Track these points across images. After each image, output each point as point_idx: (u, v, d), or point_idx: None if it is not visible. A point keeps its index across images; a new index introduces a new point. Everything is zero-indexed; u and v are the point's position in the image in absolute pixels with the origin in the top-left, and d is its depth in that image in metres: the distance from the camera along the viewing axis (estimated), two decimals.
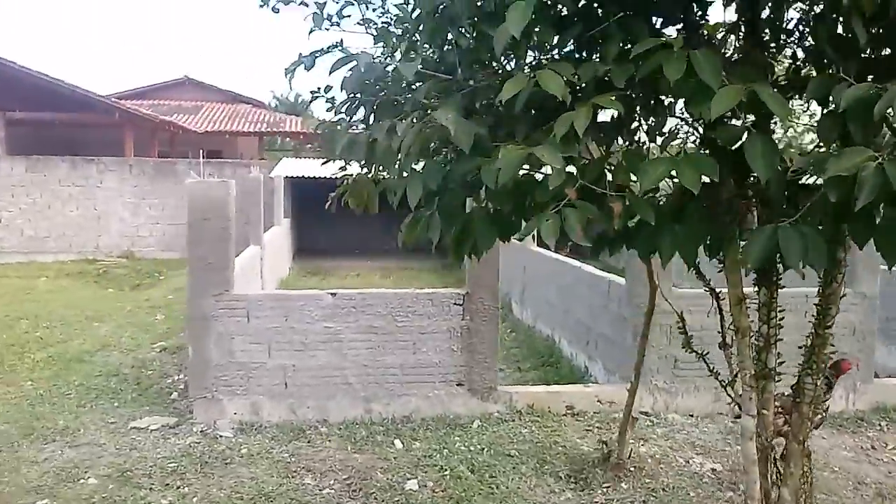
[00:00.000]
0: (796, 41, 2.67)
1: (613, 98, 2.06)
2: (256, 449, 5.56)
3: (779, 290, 3.57)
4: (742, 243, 2.78)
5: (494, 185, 2.19)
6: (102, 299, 12.12)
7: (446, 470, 5.31)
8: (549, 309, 8.78)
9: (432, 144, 2.43)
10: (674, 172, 2.05)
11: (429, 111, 2.36)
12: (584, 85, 2.26)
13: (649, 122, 2.67)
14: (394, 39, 2.79)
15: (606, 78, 2.20)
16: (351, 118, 3.12)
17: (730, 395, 3.73)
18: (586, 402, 6.42)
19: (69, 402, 6.78)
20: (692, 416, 6.52)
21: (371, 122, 2.85)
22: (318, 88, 4.56)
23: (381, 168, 2.83)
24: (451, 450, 5.65)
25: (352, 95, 2.84)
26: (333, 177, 3.46)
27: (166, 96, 29.08)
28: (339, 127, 2.84)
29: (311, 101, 3.37)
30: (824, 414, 3.76)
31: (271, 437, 5.78)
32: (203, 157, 16.22)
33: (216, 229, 5.78)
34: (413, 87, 2.61)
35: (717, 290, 3.73)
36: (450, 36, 2.51)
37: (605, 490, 5.07)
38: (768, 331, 3.61)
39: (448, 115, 2.19)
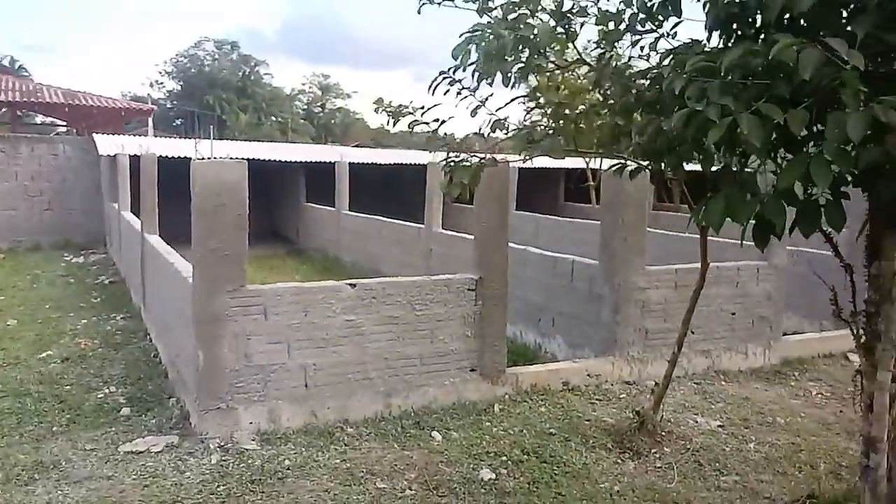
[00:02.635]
0: None
1: None
2: (299, 459, 5.01)
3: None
4: None
5: None
6: None
7: (502, 455, 5.27)
8: None
9: None
10: None
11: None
12: None
13: None
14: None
15: None
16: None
17: (863, 356, 4.21)
18: (578, 377, 6.70)
19: None
20: (658, 381, 7.11)
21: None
22: (449, 69, 4.24)
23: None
24: (491, 435, 5.59)
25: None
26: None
27: None
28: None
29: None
30: None
31: (306, 444, 5.24)
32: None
33: (232, 216, 5.04)
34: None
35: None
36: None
37: (656, 457, 5.39)
38: (878, 299, 4.16)
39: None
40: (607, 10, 4.10)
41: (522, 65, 4.03)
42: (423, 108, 4.61)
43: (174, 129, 57.01)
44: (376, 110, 4.67)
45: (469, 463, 5.13)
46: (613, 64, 3.79)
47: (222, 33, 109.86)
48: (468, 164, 4.22)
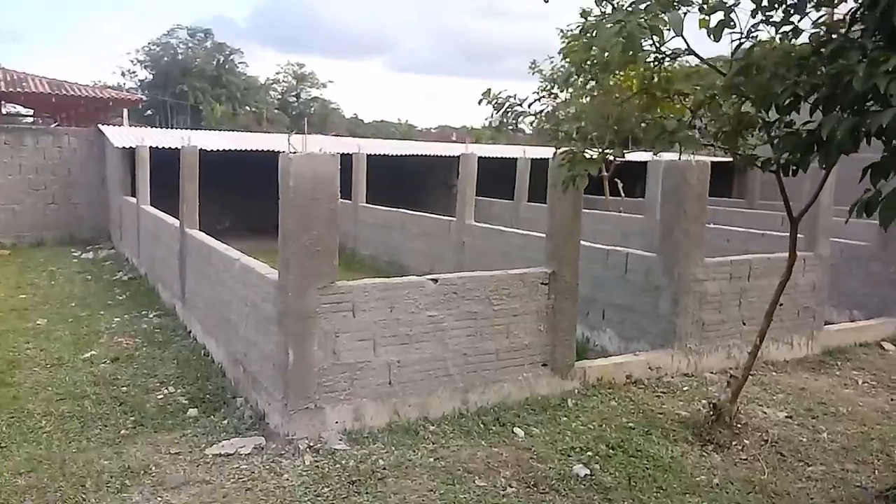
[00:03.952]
0: None
1: None
2: (391, 459, 4.95)
3: None
4: None
5: None
6: None
7: (589, 451, 5.27)
8: None
9: None
10: None
11: None
12: None
13: None
14: None
15: None
16: None
17: None
18: (640, 370, 6.73)
19: (62, 438, 5.37)
20: (713, 372, 7.17)
21: None
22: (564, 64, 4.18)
23: None
24: (572, 430, 5.59)
25: None
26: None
27: None
28: None
29: None
30: None
31: (394, 443, 5.18)
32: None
33: (325, 211, 4.95)
34: None
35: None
36: None
37: (738, 449, 5.42)
38: None
39: None
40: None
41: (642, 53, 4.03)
42: (526, 100, 4.59)
43: (146, 120, 55.83)
44: (479, 102, 4.63)
45: (559, 459, 5.12)
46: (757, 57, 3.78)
47: (191, 21, 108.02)
48: (591, 155, 4.19)
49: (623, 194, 14.46)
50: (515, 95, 4.65)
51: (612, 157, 4.64)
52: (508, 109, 4.73)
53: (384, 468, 4.83)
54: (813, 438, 5.68)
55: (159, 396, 6.25)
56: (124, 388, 6.40)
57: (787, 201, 5.17)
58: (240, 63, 73.01)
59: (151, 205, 11.33)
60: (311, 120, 74.49)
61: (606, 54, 4.09)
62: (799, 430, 5.85)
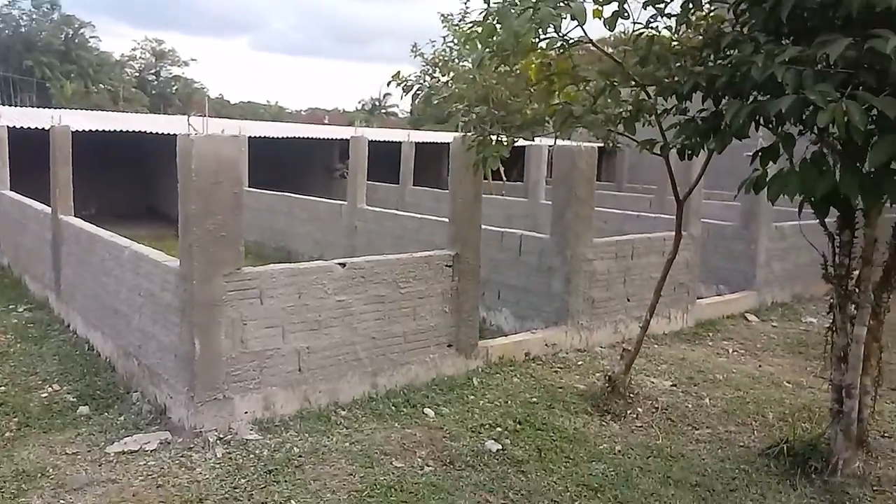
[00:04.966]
0: None
1: None
2: (307, 446, 4.90)
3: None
4: None
5: None
6: None
7: (498, 426, 5.45)
8: None
9: None
10: None
11: None
12: None
13: None
14: None
15: None
16: None
17: (838, 315, 4.74)
18: (538, 347, 7.00)
19: None
20: (602, 347, 7.58)
21: None
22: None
23: None
24: (480, 408, 5.75)
25: None
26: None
27: None
28: None
29: None
30: None
31: (308, 430, 5.12)
32: None
33: (229, 195, 4.78)
34: None
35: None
36: None
37: (633, 417, 5.79)
38: (849, 263, 4.71)
39: None
40: None
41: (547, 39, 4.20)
42: (437, 82, 4.64)
43: None
44: (388, 83, 4.64)
45: (471, 436, 5.27)
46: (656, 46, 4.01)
47: None
48: (501, 140, 4.30)
49: (504, 178, 14.87)
50: (425, 79, 4.70)
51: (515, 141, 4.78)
52: (418, 92, 4.76)
53: (300, 455, 4.77)
54: (697, 404, 6.14)
55: (43, 395, 5.83)
56: (2, 388, 5.92)
57: (675, 185, 5.54)
58: (91, 38, 68.52)
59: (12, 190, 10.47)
60: (174, 99, 71.03)
61: (513, 39, 4.20)
62: (684, 397, 6.31)
